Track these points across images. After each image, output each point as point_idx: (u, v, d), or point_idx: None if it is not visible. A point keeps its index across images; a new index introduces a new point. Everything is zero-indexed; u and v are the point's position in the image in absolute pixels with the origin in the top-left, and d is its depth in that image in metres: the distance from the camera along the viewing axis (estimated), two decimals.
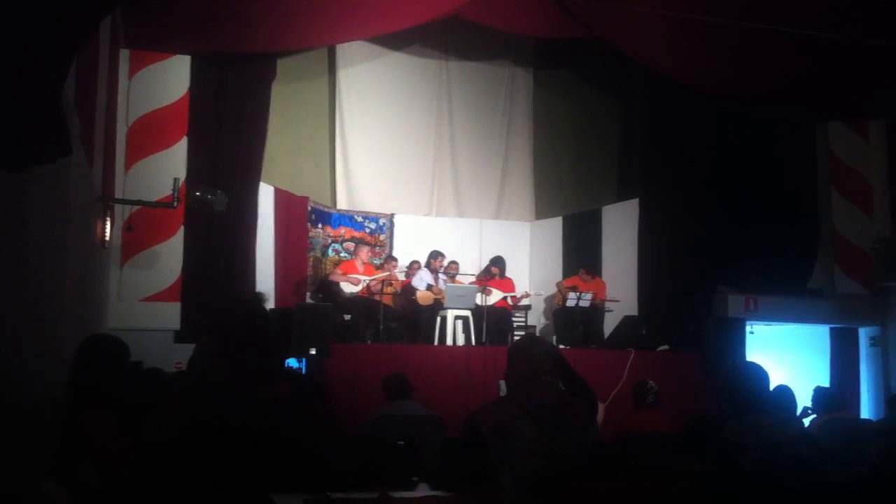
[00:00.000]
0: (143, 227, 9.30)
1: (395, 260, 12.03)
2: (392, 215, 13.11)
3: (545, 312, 12.88)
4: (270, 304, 10.59)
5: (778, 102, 10.56)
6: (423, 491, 3.89)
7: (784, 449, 3.73)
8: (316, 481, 3.26)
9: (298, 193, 12.00)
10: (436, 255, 11.80)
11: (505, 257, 12.36)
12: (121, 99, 9.30)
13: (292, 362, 8.12)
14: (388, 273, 11.56)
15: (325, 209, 12.61)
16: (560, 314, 11.69)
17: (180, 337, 9.28)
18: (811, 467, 3.47)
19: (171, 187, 8.84)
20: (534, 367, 3.69)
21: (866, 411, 10.57)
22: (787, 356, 10.75)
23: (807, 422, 7.20)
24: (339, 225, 12.74)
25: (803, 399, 7.50)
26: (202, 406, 2.54)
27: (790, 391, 6.50)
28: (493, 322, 11.17)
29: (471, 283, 11.72)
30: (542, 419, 3.51)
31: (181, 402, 2.85)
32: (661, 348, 10.74)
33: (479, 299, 11.11)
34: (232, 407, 2.53)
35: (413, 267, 11.91)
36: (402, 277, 11.97)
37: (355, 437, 5.59)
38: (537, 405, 3.56)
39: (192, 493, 2.40)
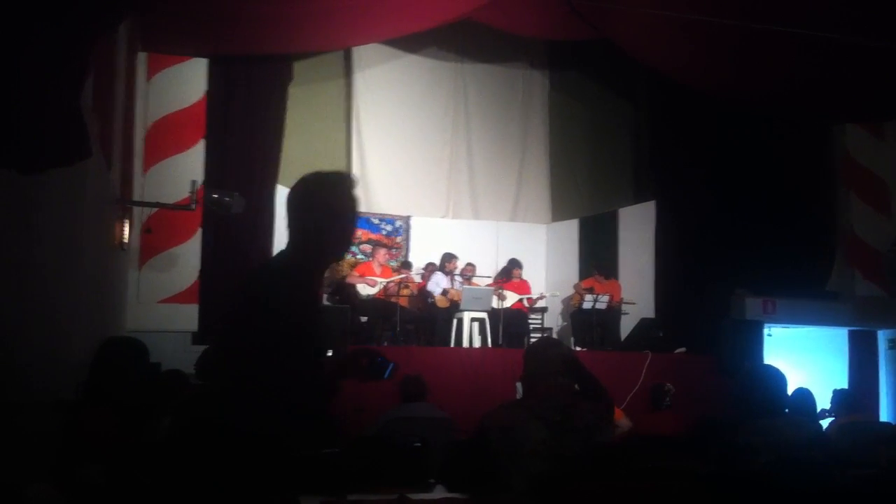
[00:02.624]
0: (162, 229, 9.36)
1: (411, 266, 12.07)
2: (408, 217, 13.14)
3: (562, 314, 12.86)
4: None
5: (791, 104, 10.50)
6: (440, 493, 3.90)
7: (795, 452, 3.71)
8: (330, 482, 3.26)
9: None
10: (449, 258, 11.81)
11: (521, 259, 12.35)
12: (139, 102, 9.35)
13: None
14: (404, 275, 11.59)
15: None
16: (577, 316, 11.67)
17: (198, 338, 9.31)
18: (816, 470, 3.45)
19: (189, 189, 8.89)
20: (547, 368, 3.70)
21: (885, 414, 10.48)
22: (806, 359, 10.68)
23: (825, 424, 7.14)
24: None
25: (822, 402, 7.46)
26: (209, 407, 2.56)
27: (810, 394, 6.45)
28: (509, 324, 11.16)
29: (487, 286, 11.71)
30: (551, 420, 3.52)
31: (188, 403, 2.86)
32: (678, 351, 10.70)
33: (495, 302, 11.11)
34: (241, 408, 2.53)
35: (429, 269, 11.92)
36: (418, 280, 11.98)
37: (369, 438, 5.60)
38: (546, 406, 3.56)
39: (199, 493, 2.40)
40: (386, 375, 2.88)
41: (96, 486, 3.14)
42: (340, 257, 3.05)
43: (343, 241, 2.95)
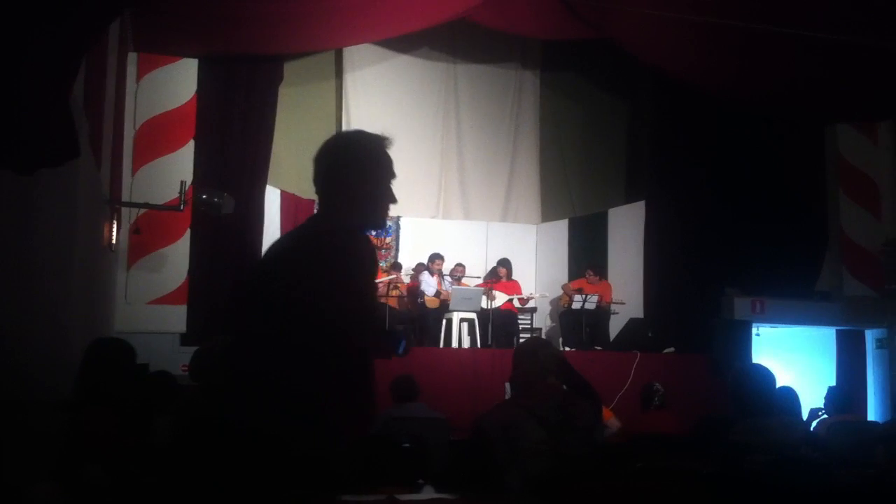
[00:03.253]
0: (150, 229, 9.33)
1: (401, 267, 12.06)
2: (398, 218, 13.11)
3: (551, 315, 12.87)
4: None
5: (785, 103, 10.54)
6: (428, 493, 3.89)
7: (790, 451, 3.73)
8: (321, 483, 3.24)
9: (305, 196, 11.98)
10: (433, 259, 11.82)
11: (511, 260, 12.36)
12: (128, 102, 9.33)
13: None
14: (393, 276, 11.58)
15: None
16: (566, 316, 11.68)
17: (187, 340, 9.27)
18: (816, 469, 3.47)
19: (178, 190, 8.87)
20: (539, 369, 3.71)
21: (873, 413, 10.52)
22: (794, 358, 10.71)
23: (815, 423, 7.16)
24: None
25: (809, 401, 7.46)
26: (211, 407, 2.48)
27: (793, 392, 6.46)
28: (498, 324, 11.16)
29: (477, 286, 11.72)
30: (549, 420, 3.52)
31: (190, 403, 2.83)
32: (667, 350, 10.72)
33: (484, 302, 11.11)
34: (234, 406, 2.43)
35: (419, 269, 11.91)
36: (407, 280, 11.98)
37: (371, 438, 5.59)
38: (544, 407, 3.57)
39: (202, 494, 2.39)
40: (399, 351, 2.76)
41: (100, 487, 3.13)
42: (381, 227, 2.71)
43: (385, 208, 2.66)
